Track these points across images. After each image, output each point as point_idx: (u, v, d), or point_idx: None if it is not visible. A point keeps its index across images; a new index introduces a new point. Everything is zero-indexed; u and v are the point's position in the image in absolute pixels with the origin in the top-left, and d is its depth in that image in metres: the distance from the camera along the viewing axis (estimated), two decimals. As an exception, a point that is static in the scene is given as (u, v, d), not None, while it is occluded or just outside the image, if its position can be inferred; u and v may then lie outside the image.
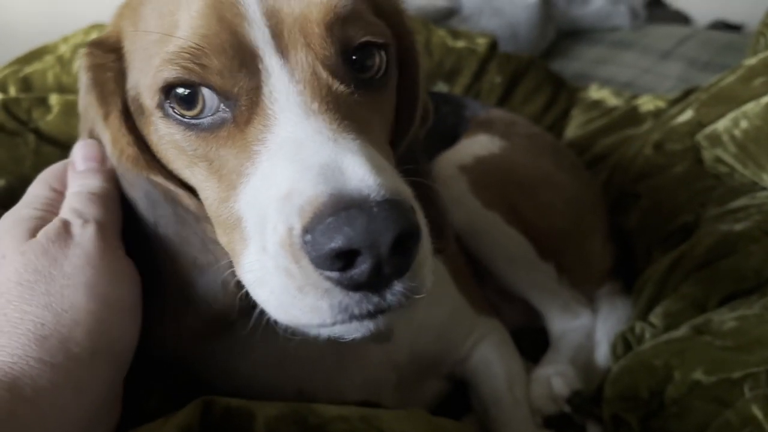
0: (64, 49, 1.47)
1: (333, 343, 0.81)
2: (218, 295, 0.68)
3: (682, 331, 0.97)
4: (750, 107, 1.24)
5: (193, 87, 0.60)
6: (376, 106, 0.66)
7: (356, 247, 0.49)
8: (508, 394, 1.00)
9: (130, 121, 0.69)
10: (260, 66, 0.59)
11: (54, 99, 1.25)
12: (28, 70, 1.42)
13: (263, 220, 0.56)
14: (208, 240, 0.67)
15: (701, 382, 0.87)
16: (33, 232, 0.63)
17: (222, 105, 0.60)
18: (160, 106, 0.62)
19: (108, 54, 0.69)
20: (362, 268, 0.51)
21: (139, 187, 0.68)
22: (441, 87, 1.82)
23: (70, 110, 1.19)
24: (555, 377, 1.04)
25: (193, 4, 0.60)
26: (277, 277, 0.54)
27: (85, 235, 0.63)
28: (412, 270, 0.54)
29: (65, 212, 0.66)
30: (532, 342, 1.19)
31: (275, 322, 0.59)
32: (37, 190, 0.70)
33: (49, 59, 1.44)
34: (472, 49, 1.87)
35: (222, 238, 0.64)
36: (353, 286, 0.52)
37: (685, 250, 1.12)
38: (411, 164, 0.76)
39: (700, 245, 1.11)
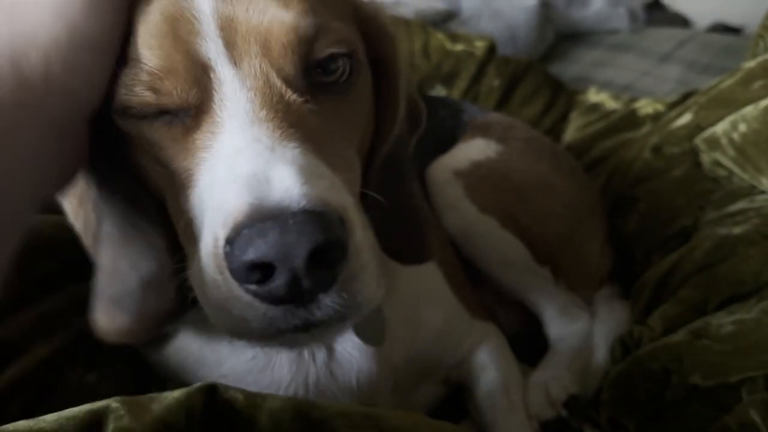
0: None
1: (326, 346, 0.82)
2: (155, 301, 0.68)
3: (680, 335, 0.97)
4: (748, 110, 1.24)
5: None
6: (338, 114, 0.65)
7: (268, 260, 0.48)
8: (504, 399, 1.00)
9: None
10: (212, 76, 0.59)
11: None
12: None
13: (201, 229, 0.56)
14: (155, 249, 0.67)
15: (699, 387, 0.87)
16: None
17: (175, 116, 0.60)
18: (118, 113, 0.61)
19: None
20: (278, 282, 0.49)
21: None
22: (439, 90, 1.82)
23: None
24: (552, 381, 1.04)
25: (151, 17, 0.59)
26: (207, 287, 0.54)
27: None
28: (339, 283, 0.52)
29: None
30: (529, 346, 1.18)
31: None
32: None
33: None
34: (471, 52, 1.87)
35: (180, 238, 0.63)
36: (272, 300, 0.51)
37: (684, 253, 1.12)
38: (393, 174, 0.75)
39: (699, 249, 1.10)
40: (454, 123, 1.37)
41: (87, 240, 0.72)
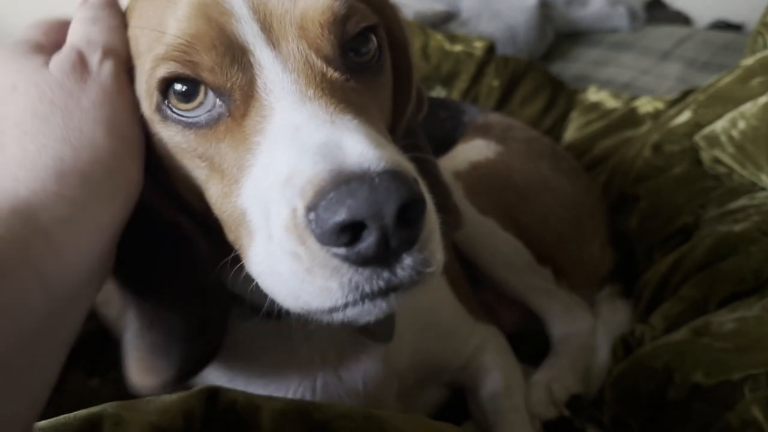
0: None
1: (335, 351, 0.83)
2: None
3: (681, 333, 0.97)
4: (747, 107, 1.24)
5: (190, 81, 0.60)
6: (372, 92, 0.67)
7: (360, 218, 0.49)
8: (506, 401, 1.00)
9: None
10: (252, 60, 0.60)
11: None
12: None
13: (267, 209, 0.55)
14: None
15: (701, 385, 0.87)
16: (45, 64, 0.60)
17: (217, 101, 0.61)
18: (158, 109, 0.62)
19: None
20: (369, 241, 0.50)
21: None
22: (439, 91, 1.82)
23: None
24: (554, 382, 1.04)
25: (179, 9, 0.61)
26: (284, 263, 0.54)
27: (103, 71, 0.61)
28: (420, 242, 0.53)
29: (78, 41, 0.62)
30: (531, 346, 1.19)
31: (287, 313, 0.58)
32: (29, 35, 0.66)
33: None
34: (470, 53, 1.87)
35: (230, 236, 0.64)
36: (361, 261, 0.51)
37: (685, 251, 1.12)
38: (411, 141, 0.76)
39: (700, 247, 1.10)
40: (455, 124, 1.37)
41: (107, 309, 0.73)
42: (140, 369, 0.69)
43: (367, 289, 0.52)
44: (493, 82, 1.85)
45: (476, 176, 1.16)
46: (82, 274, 0.56)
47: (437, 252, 0.55)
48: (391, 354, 0.88)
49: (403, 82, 0.78)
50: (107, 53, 0.62)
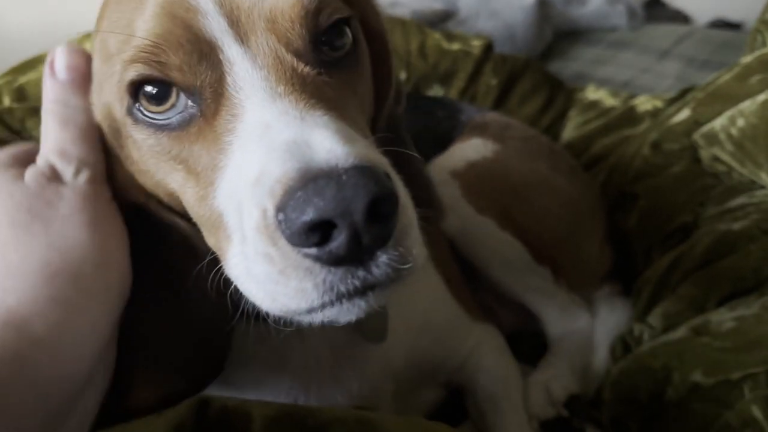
0: (58, 59, 1.46)
1: (330, 351, 0.82)
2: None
3: (680, 332, 0.96)
4: (746, 105, 1.23)
5: (160, 83, 0.59)
6: (348, 85, 0.65)
7: (328, 217, 0.47)
8: (505, 400, 0.99)
9: None
10: (221, 57, 0.58)
11: (48, 109, 1.24)
12: (23, 80, 1.42)
13: (240, 210, 0.55)
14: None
15: (701, 384, 0.87)
16: (19, 176, 0.60)
17: (188, 101, 0.60)
18: (129, 112, 0.61)
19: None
20: (339, 240, 0.49)
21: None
22: (437, 90, 1.82)
23: (64, 120, 1.18)
24: (552, 381, 1.03)
25: (146, 9, 0.60)
26: (258, 264, 0.53)
27: (78, 179, 0.62)
28: (394, 238, 0.52)
29: (51, 154, 0.63)
30: (529, 346, 1.18)
31: (267, 315, 0.57)
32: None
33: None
34: (467, 52, 1.87)
35: (210, 240, 0.63)
36: (333, 261, 0.50)
37: (684, 250, 1.12)
38: (393, 135, 0.76)
39: (699, 245, 1.10)
40: (452, 123, 1.37)
41: None
42: (147, 385, 0.67)
43: (342, 288, 0.51)
44: (491, 80, 1.85)
45: (474, 175, 1.15)
46: (81, 374, 0.56)
47: (414, 247, 0.54)
48: (387, 354, 0.87)
49: (383, 70, 0.77)
50: (81, 165, 0.63)
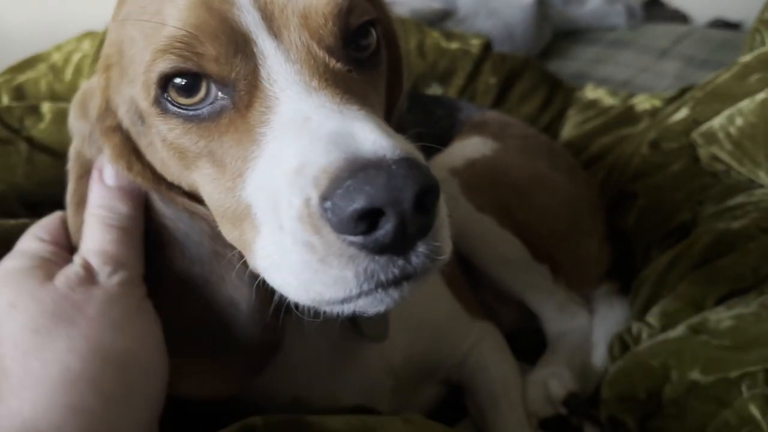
0: (56, 58, 1.47)
1: (330, 348, 0.82)
2: (255, 330, 0.68)
3: (679, 330, 0.96)
4: (745, 104, 1.23)
5: (192, 75, 0.60)
6: (372, 84, 0.67)
7: (379, 205, 0.48)
8: (504, 398, 0.99)
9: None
10: (255, 49, 0.59)
11: (46, 107, 1.24)
12: (21, 78, 1.41)
13: (275, 200, 0.55)
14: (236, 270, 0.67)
15: (699, 382, 0.87)
16: (47, 278, 0.61)
17: (219, 92, 0.60)
18: (157, 102, 0.61)
19: (108, 118, 0.69)
20: (386, 228, 0.49)
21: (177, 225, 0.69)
22: (435, 89, 1.82)
23: (63, 118, 1.18)
24: (551, 379, 1.03)
25: (178, 1, 0.60)
26: (296, 254, 0.53)
27: (111, 281, 0.62)
28: (434, 230, 0.53)
29: (90, 253, 0.64)
30: (528, 344, 1.18)
31: (296, 306, 0.58)
32: (25, 245, 0.68)
33: (41, 67, 1.44)
34: (466, 50, 1.87)
35: (231, 234, 0.63)
36: (378, 249, 0.51)
37: (683, 249, 1.12)
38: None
39: (698, 244, 1.10)
40: (451, 122, 1.37)
41: None
42: (202, 373, 0.69)
43: (383, 277, 0.52)
44: (490, 79, 1.85)
45: (473, 173, 1.15)
46: None
47: (446, 240, 0.55)
48: (387, 351, 0.88)
49: (395, 75, 0.78)
50: (119, 266, 0.63)
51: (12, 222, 0.83)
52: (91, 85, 0.72)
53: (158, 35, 0.59)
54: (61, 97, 1.37)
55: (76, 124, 0.72)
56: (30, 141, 1.17)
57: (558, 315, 1.17)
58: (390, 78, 0.76)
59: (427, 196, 0.50)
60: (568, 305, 1.17)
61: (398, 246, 0.51)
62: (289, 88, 0.58)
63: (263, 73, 0.59)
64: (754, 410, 0.78)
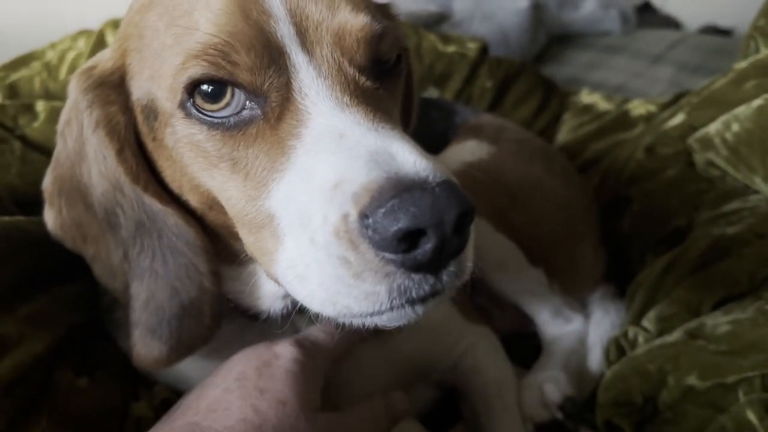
0: (51, 56, 1.46)
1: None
2: (193, 328, 0.69)
3: (675, 335, 0.96)
4: (741, 110, 1.24)
5: (220, 83, 0.60)
6: (393, 97, 0.68)
7: (423, 226, 0.49)
8: (498, 401, 0.99)
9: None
10: (288, 62, 0.60)
11: (41, 105, 1.23)
12: (15, 76, 1.40)
13: (305, 214, 0.55)
14: (197, 273, 0.68)
15: (695, 387, 0.87)
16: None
17: (248, 102, 0.60)
18: (182, 106, 0.61)
19: (112, 90, 0.68)
20: (426, 247, 0.51)
21: (132, 217, 0.69)
22: (432, 92, 1.82)
23: (57, 117, 1.18)
24: (547, 383, 1.03)
25: (213, 1, 0.60)
26: (329, 267, 0.54)
27: None
28: (465, 251, 0.55)
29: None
30: (524, 347, 1.18)
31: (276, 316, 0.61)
32: None
33: (36, 66, 1.43)
34: (463, 54, 1.87)
35: (248, 239, 0.63)
36: (416, 267, 0.52)
37: (678, 254, 1.12)
38: None
39: (693, 249, 1.10)
40: (447, 125, 1.37)
41: (104, 276, 0.73)
42: (140, 343, 0.71)
43: (414, 294, 0.54)
44: (486, 83, 1.85)
45: (469, 177, 1.15)
46: None
47: (470, 260, 0.57)
48: (381, 352, 0.87)
49: (407, 103, 0.81)
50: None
51: (6, 219, 0.82)
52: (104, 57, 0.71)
53: (191, 39, 0.60)
54: (56, 95, 1.36)
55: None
56: (24, 140, 1.16)
57: (553, 319, 1.17)
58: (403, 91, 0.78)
59: (465, 218, 0.51)
60: (563, 309, 1.17)
61: (434, 265, 0.53)
62: (322, 103, 0.58)
63: (295, 85, 0.59)
64: (751, 415, 0.79)
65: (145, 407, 0.82)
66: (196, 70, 0.59)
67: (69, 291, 0.83)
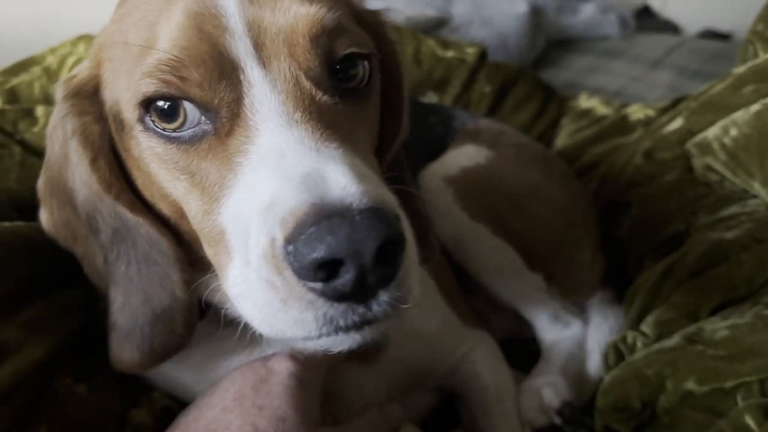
0: (51, 61, 1.46)
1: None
2: (165, 335, 0.69)
3: (674, 340, 0.96)
4: (739, 115, 1.24)
5: (174, 100, 0.60)
6: (360, 116, 0.66)
7: (339, 256, 0.48)
8: (497, 406, 0.99)
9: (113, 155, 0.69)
10: (242, 77, 0.59)
11: (40, 110, 1.23)
12: (15, 81, 1.40)
13: (246, 233, 0.55)
14: (169, 281, 0.68)
15: (694, 392, 0.87)
16: None
17: (203, 117, 0.60)
18: (141, 120, 0.62)
19: (86, 99, 0.69)
20: (346, 278, 0.50)
21: (109, 224, 0.69)
22: (430, 97, 1.82)
23: (57, 122, 1.18)
24: (545, 388, 1.03)
25: (174, 15, 0.60)
26: (260, 290, 0.54)
27: None
28: (397, 279, 0.53)
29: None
30: (522, 352, 1.18)
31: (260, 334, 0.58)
32: None
33: (35, 70, 1.43)
34: (462, 59, 1.87)
35: (208, 251, 0.63)
36: (337, 297, 0.51)
37: (677, 258, 1.12)
38: (396, 172, 0.76)
39: (692, 254, 1.10)
40: (445, 129, 1.37)
41: (92, 275, 0.75)
42: (115, 346, 0.71)
43: (342, 323, 0.53)
44: (484, 88, 1.85)
45: (467, 181, 1.15)
46: None
47: (413, 287, 0.55)
48: (377, 358, 0.87)
49: (395, 115, 0.78)
50: None
51: (6, 224, 0.82)
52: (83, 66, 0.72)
53: (147, 56, 0.60)
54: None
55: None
56: (23, 144, 1.16)
57: (552, 323, 1.17)
58: (389, 116, 0.77)
59: (390, 247, 0.50)
60: (562, 314, 1.17)
61: (358, 295, 0.51)
62: (271, 120, 0.57)
63: (247, 101, 0.59)
64: (749, 420, 0.79)
65: (144, 414, 0.82)
66: (149, 87, 0.59)
67: (68, 297, 0.83)
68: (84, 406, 0.77)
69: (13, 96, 1.37)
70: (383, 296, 0.53)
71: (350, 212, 0.49)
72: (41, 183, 0.76)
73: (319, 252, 0.48)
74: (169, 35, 0.59)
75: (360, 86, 0.66)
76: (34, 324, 0.77)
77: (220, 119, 0.59)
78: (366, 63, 0.66)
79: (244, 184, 0.57)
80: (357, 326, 0.53)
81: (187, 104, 0.60)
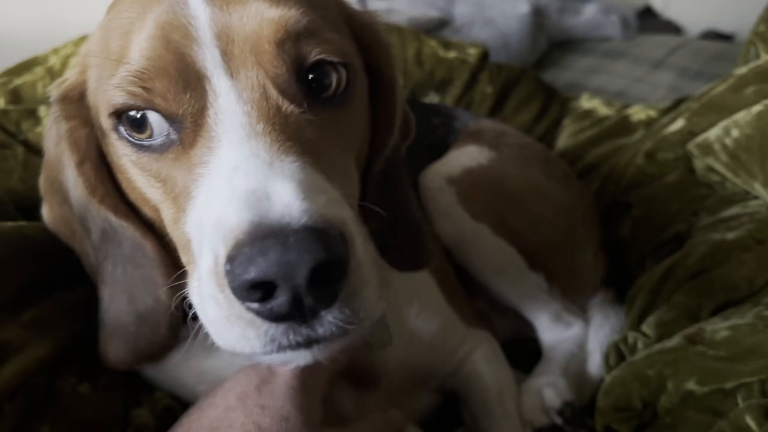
0: (54, 61, 1.46)
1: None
2: (149, 336, 0.71)
3: (675, 341, 0.96)
4: (741, 116, 1.24)
5: (142, 110, 0.60)
6: (336, 125, 0.65)
7: (269, 278, 0.47)
8: (498, 407, 0.99)
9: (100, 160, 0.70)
10: (208, 87, 0.59)
11: (43, 111, 1.24)
12: (18, 81, 1.41)
13: (201, 245, 0.55)
14: (153, 284, 0.69)
15: (694, 393, 0.87)
16: None
17: (170, 127, 0.60)
18: (115, 129, 0.63)
19: (73, 104, 0.70)
20: (280, 300, 0.49)
21: (98, 225, 0.70)
22: (432, 97, 1.82)
23: (60, 122, 1.18)
24: (546, 388, 1.03)
25: (146, 25, 0.60)
26: (208, 305, 0.54)
27: None
28: (341, 300, 0.51)
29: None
30: (523, 352, 1.18)
31: None
32: None
33: (39, 71, 1.43)
34: (464, 60, 1.87)
35: (182, 257, 0.63)
36: (274, 318, 0.50)
37: (678, 259, 1.12)
38: (390, 182, 0.76)
39: (693, 254, 1.10)
40: (447, 130, 1.37)
41: (89, 271, 0.77)
42: (104, 343, 0.73)
43: (284, 342, 0.52)
44: (486, 88, 1.85)
45: (469, 182, 1.16)
46: None
47: (365, 305, 0.53)
48: (381, 358, 0.87)
49: (387, 119, 0.77)
50: None
51: (9, 224, 0.83)
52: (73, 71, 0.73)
53: (120, 66, 0.60)
54: (58, 101, 1.36)
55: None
56: (27, 145, 1.16)
57: (553, 324, 1.17)
58: (382, 119, 0.76)
59: (328, 269, 0.49)
60: (563, 314, 1.17)
61: (296, 316, 0.50)
62: (233, 131, 0.57)
63: (211, 112, 0.58)
64: (750, 421, 0.79)
65: (147, 414, 0.82)
66: (117, 99, 0.59)
67: (71, 297, 0.83)
68: (87, 406, 0.77)
69: (16, 96, 1.38)
70: (327, 317, 0.51)
71: (284, 233, 0.48)
72: (42, 179, 0.77)
73: (249, 274, 0.48)
74: (138, 45, 0.59)
75: (335, 94, 0.64)
76: (38, 324, 0.77)
77: (185, 129, 0.59)
78: (342, 69, 0.64)
79: (204, 196, 0.57)
80: (306, 344, 0.53)
81: (153, 115, 0.60)
